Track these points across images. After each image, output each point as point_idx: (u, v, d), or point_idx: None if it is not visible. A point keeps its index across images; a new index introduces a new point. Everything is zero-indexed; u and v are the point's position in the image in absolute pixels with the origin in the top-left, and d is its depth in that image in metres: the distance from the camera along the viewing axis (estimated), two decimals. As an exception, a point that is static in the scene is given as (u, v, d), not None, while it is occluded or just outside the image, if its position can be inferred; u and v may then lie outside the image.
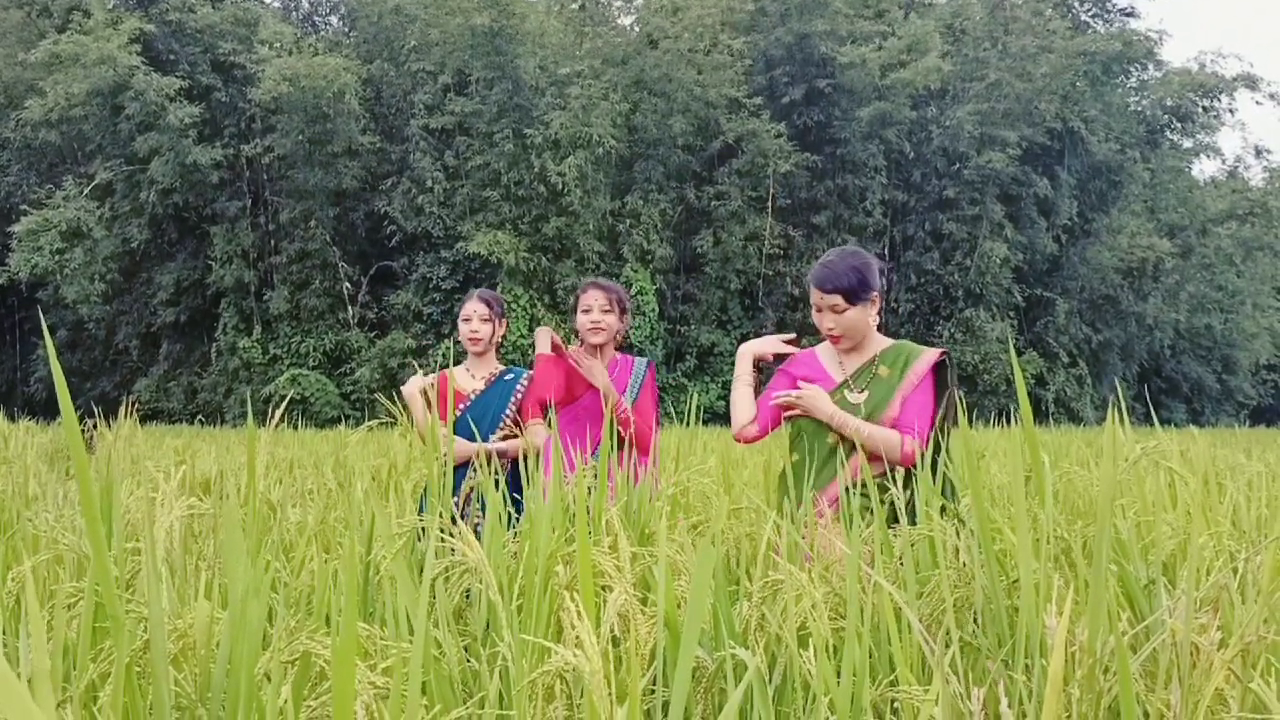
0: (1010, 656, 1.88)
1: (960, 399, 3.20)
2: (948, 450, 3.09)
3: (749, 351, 3.61)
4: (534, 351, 4.42)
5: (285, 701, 1.40)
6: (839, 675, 1.66)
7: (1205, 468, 2.40)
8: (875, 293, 3.34)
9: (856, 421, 3.23)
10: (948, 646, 1.73)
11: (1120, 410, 2.69)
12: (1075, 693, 1.32)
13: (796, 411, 3.37)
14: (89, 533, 1.33)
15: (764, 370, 3.68)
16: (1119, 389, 2.32)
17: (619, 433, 3.84)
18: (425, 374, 4.47)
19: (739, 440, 3.51)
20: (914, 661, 1.90)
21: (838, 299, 3.29)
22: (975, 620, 2.08)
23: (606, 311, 4.27)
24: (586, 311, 4.28)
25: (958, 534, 2.23)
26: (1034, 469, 2.33)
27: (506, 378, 4.50)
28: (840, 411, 3.28)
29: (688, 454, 6.47)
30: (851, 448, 3.20)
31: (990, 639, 1.98)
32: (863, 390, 3.34)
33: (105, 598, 1.33)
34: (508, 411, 4.39)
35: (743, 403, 3.50)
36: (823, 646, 1.71)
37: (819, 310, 3.36)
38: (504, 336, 4.63)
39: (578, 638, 1.14)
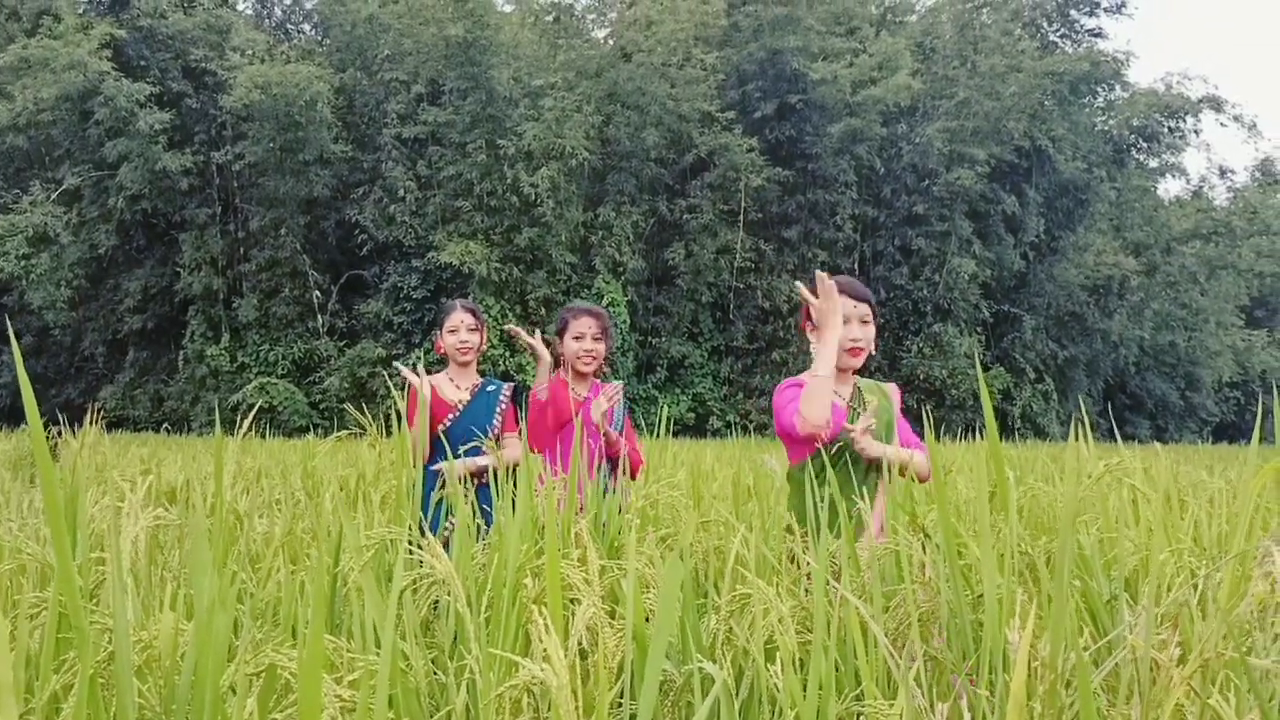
0: (975, 671, 1.89)
1: (927, 415, 3.22)
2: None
3: (837, 341, 3.11)
4: (510, 359, 4.47)
5: (250, 714, 1.40)
6: (805, 689, 1.67)
7: (1167, 485, 2.43)
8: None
9: (897, 449, 3.15)
10: (913, 661, 1.74)
11: (1085, 427, 2.72)
12: (1037, 707, 1.34)
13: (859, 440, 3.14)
14: (54, 543, 1.32)
15: None
16: (1083, 405, 2.35)
17: (598, 452, 3.85)
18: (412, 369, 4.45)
19: (803, 432, 3.08)
20: (879, 675, 1.92)
21: (867, 310, 3.23)
22: (940, 634, 2.09)
23: (598, 340, 4.26)
24: (579, 339, 4.25)
25: (924, 548, 2.25)
26: (999, 484, 2.35)
27: (489, 389, 4.52)
28: (889, 447, 3.14)
29: (657, 466, 6.47)
30: (874, 494, 3.15)
31: (955, 653, 1.99)
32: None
33: (70, 609, 1.32)
34: (494, 424, 4.40)
35: (826, 397, 3.07)
36: (789, 660, 1.72)
37: (846, 321, 3.17)
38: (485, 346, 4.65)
39: (545, 651, 1.14)
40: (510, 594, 1.63)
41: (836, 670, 1.84)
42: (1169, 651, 1.32)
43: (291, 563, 2.93)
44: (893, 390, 3.41)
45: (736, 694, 1.81)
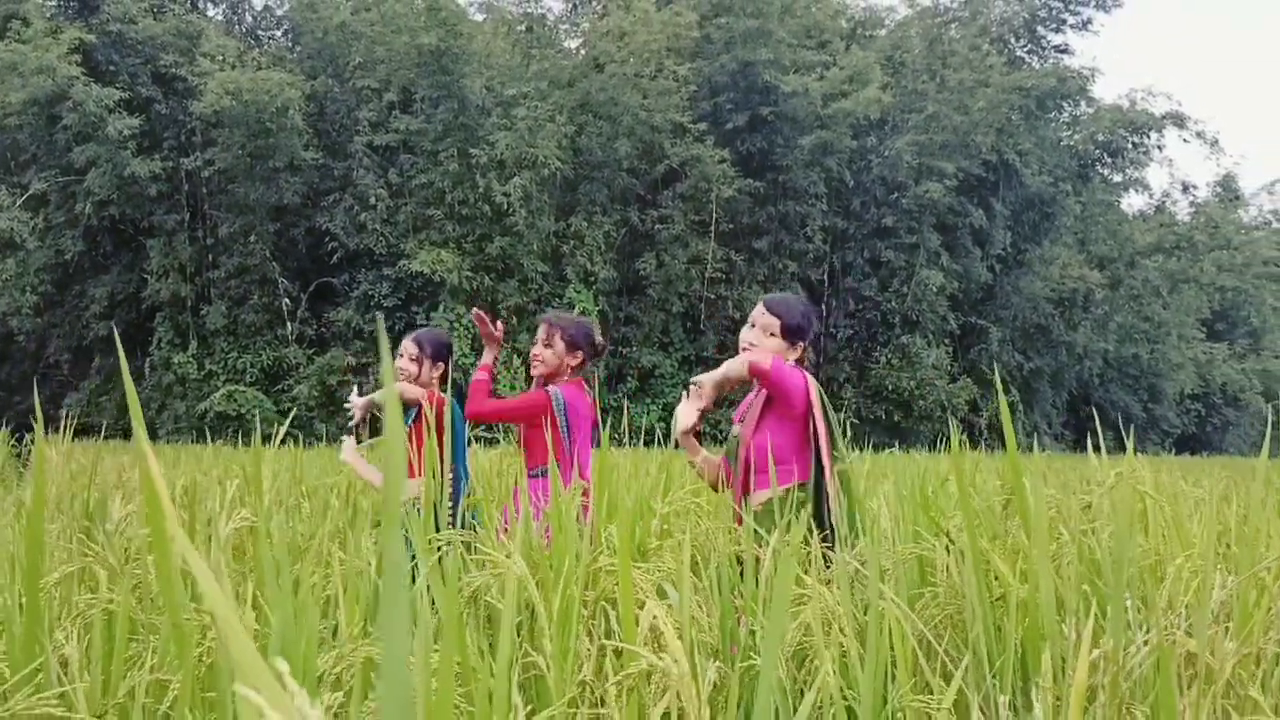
0: (1000, 672, 1.98)
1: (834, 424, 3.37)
2: (836, 476, 3.22)
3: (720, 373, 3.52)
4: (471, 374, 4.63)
5: (342, 706, 1.45)
6: (853, 687, 1.74)
7: (1173, 491, 2.54)
8: (804, 344, 3.50)
9: (718, 371, 3.42)
10: (960, 659, 1.82)
11: (1098, 439, 2.82)
12: (1102, 698, 1.42)
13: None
14: (155, 546, 1.37)
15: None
16: (1096, 419, 2.44)
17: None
18: (362, 392, 4.69)
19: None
20: (909, 668, 2.00)
21: (775, 322, 3.45)
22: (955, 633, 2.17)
23: (546, 345, 4.33)
24: (534, 344, 4.39)
25: (948, 551, 2.34)
26: (1016, 493, 2.44)
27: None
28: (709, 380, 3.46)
29: (640, 475, 6.52)
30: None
31: (981, 652, 2.08)
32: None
33: (171, 611, 1.38)
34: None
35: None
36: (838, 656, 1.80)
37: (753, 325, 3.50)
38: (441, 376, 4.70)
39: (661, 641, 1.21)
40: (579, 593, 1.69)
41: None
42: (1223, 648, 1.40)
43: (320, 567, 2.97)
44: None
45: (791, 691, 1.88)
